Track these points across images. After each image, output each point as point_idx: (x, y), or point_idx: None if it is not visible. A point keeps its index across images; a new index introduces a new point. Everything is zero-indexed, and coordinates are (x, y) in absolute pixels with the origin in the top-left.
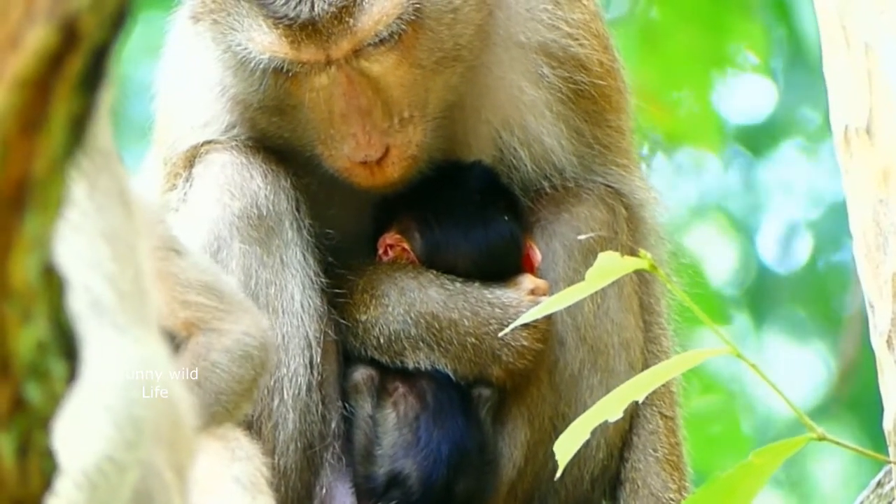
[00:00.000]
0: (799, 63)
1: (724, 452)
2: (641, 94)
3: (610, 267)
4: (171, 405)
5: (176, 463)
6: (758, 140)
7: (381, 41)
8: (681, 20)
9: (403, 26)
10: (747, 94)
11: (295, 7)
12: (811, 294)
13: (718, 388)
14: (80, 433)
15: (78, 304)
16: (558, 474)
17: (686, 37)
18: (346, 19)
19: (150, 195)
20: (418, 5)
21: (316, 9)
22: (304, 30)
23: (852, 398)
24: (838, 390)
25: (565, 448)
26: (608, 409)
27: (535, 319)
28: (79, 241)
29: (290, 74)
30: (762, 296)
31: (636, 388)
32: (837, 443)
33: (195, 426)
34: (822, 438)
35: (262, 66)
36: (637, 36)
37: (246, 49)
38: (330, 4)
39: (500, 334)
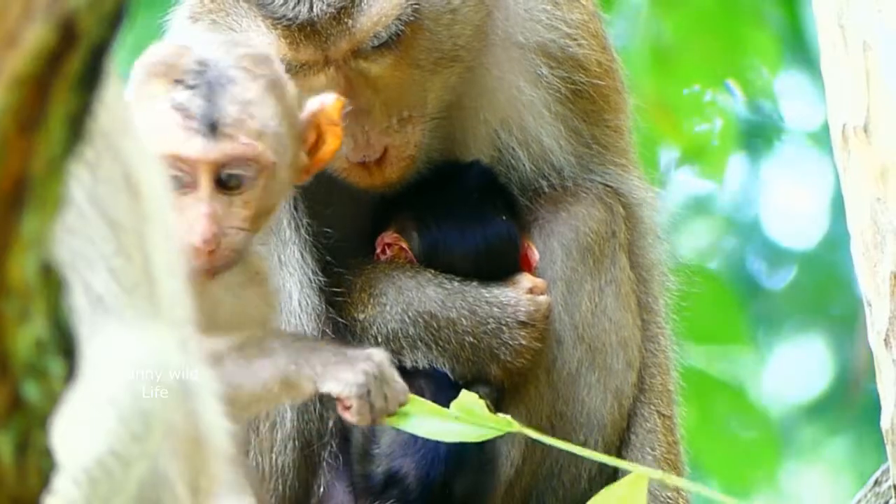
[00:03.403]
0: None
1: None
2: (656, 110)
3: None
4: (191, 413)
5: (192, 480)
6: (760, 139)
7: (380, 42)
8: (692, 33)
9: (402, 27)
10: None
11: (293, 8)
12: (811, 292)
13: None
14: (83, 429)
15: (80, 304)
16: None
17: (698, 50)
18: (345, 20)
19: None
20: (417, 6)
21: (315, 9)
22: (302, 30)
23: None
24: (848, 394)
25: None
26: None
27: (532, 318)
28: (78, 239)
29: (289, 75)
30: (763, 293)
31: None
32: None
33: (225, 450)
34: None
35: None
36: (649, 51)
37: None
38: (328, 5)
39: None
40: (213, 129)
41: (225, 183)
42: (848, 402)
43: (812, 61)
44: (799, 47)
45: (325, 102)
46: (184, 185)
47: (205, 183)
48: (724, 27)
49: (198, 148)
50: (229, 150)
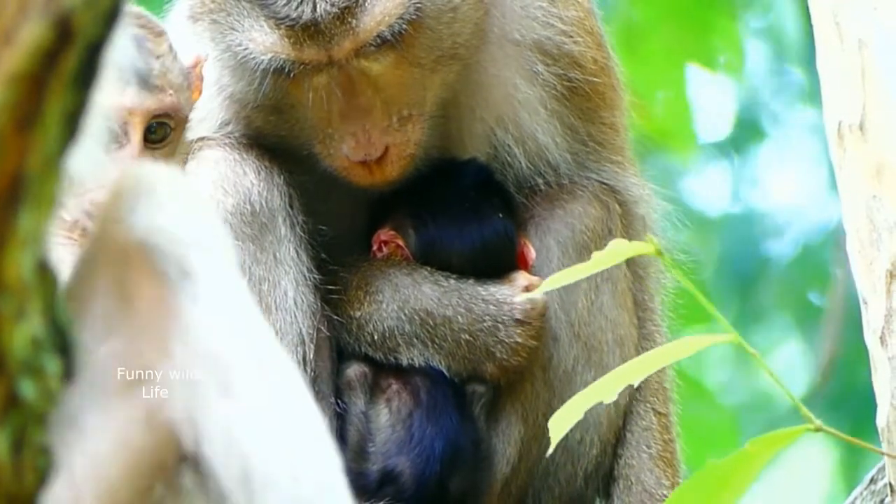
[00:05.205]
0: (780, 58)
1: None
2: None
3: (618, 250)
4: None
5: None
6: (739, 137)
7: (383, 41)
8: (659, 19)
9: (405, 26)
10: (722, 92)
11: (297, 8)
12: (794, 289)
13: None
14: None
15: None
16: (550, 450)
17: (664, 35)
18: (349, 20)
19: None
20: (419, 5)
21: (318, 9)
22: (306, 31)
23: (844, 394)
24: (820, 386)
25: (558, 426)
26: (603, 391)
27: (528, 316)
28: None
29: (291, 74)
30: (746, 290)
31: (632, 372)
32: (834, 433)
33: None
34: (819, 429)
35: (262, 66)
36: (616, 35)
37: (246, 49)
38: (332, 5)
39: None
40: (145, 81)
41: (150, 137)
42: (825, 396)
43: (807, 58)
44: (789, 43)
45: (198, 57)
46: (115, 139)
47: (137, 135)
48: (693, 14)
49: (134, 99)
50: (159, 103)
